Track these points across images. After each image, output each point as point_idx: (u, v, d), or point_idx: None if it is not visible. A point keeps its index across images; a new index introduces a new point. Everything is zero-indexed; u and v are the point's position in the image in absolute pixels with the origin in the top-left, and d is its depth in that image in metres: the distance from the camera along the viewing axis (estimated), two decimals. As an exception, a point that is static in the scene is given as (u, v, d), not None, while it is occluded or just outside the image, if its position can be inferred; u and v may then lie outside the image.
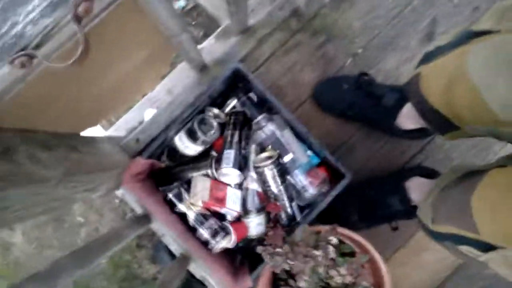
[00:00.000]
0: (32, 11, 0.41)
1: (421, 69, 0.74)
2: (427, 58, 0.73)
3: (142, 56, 0.76)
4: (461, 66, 0.60)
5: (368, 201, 1.04)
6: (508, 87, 0.53)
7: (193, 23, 1.58)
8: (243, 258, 1.00)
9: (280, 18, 1.00)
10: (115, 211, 1.62)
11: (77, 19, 0.44)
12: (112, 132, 1.09)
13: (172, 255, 1.35)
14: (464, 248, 0.65)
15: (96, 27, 0.50)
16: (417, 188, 0.99)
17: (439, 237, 0.75)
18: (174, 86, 1.06)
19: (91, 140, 0.86)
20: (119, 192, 1.09)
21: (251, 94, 0.99)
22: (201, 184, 0.93)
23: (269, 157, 0.91)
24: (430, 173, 1.02)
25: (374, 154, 1.11)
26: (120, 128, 1.09)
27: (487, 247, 0.58)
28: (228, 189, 0.95)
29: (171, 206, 0.96)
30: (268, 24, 1.00)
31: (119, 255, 1.58)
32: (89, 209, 1.62)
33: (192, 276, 1.14)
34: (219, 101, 1.01)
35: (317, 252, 0.81)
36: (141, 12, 0.60)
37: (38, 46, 0.44)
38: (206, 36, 1.48)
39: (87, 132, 0.84)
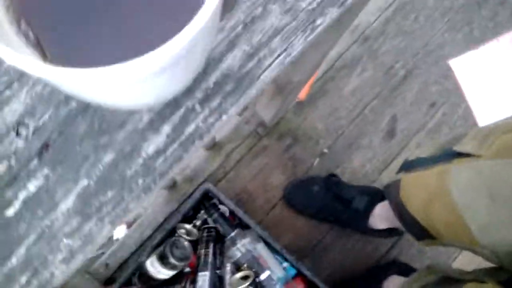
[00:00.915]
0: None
1: (402, 177, 0.77)
2: (408, 166, 0.76)
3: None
4: (442, 184, 0.62)
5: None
6: (487, 211, 0.55)
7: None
8: None
9: (246, 131, 1.03)
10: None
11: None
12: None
13: None
14: None
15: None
16: (395, 288, 1.00)
17: None
18: (142, 207, 1.04)
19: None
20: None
21: (222, 208, 0.99)
22: (176, 311, 0.90)
23: (245, 277, 0.90)
24: (406, 270, 1.03)
25: (348, 252, 1.12)
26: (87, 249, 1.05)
27: None
28: (205, 314, 0.92)
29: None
30: (235, 138, 1.03)
31: None
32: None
33: None
34: (190, 214, 1.00)
35: None
36: None
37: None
38: None
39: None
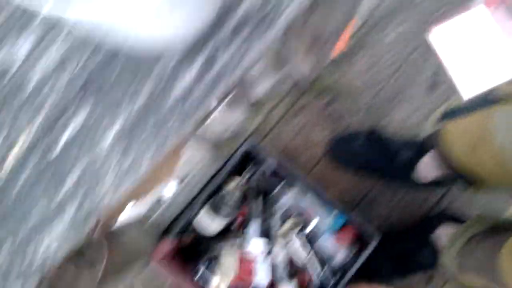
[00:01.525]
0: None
1: (444, 125, 0.76)
2: (450, 114, 0.76)
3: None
4: (485, 128, 0.62)
5: (398, 253, 1.02)
6: None
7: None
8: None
9: (284, 90, 1.05)
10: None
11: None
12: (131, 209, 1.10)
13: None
14: None
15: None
16: (447, 237, 0.98)
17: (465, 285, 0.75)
18: (190, 167, 1.08)
19: (115, 234, 0.86)
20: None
21: (268, 163, 1.01)
22: (230, 258, 0.93)
23: (294, 226, 0.92)
24: (457, 219, 1.01)
25: (396, 204, 1.11)
26: (140, 210, 1.10)
27: None
28: (257, 260, 0.94)
29: (204, 283, 0.95)
30: (273, 97, 1.05)
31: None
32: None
33: None
34: (236, 170, 1.03)
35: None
36: None
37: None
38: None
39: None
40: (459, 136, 0.71)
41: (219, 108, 1.08)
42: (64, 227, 0.45)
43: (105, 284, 0.66)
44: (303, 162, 1.12)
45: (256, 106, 1.06)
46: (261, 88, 1.05)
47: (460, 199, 1.10)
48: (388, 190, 1.10)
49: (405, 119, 1.13)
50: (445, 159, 0.83)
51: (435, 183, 1.00)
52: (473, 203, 1.10)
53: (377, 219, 1.08)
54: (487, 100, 0.64)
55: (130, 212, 1.10)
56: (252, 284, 0.93)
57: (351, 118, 1.13)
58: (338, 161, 1.10)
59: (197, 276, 0.95)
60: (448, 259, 0.82)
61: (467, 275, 0.73)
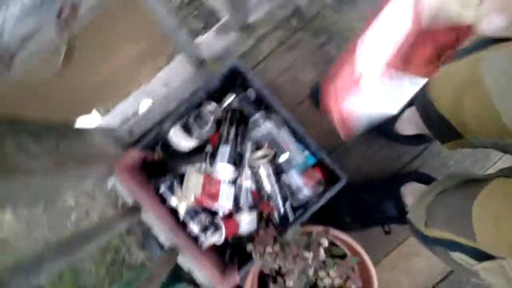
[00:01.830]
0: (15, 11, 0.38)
1: None
2: None
3: (138, 49, 0.75)
4: (475, 72, 0.59)
5: (362, 203, 1.03)
6: None
7: (194, 14, 1.56)
8: (232, 254, 0.99)
9: (281, 17, 0.99)
10: (107, 196, 1.60)
11: (63, 22, 0.41)
12: (105, 120, 1.07)
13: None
14: (456, 255, 0.64)
15: (84, 28, 0.49)
16: (412, 194, 0.99)
17: (430, 241, 0.75)
18: (170, 79, 1.04)
19: (83, 131, 0.84)
20: (110, 180, 1.08)
21: (249, 91, 0.98)
22: (194, 179, 0.92)
23: (264, 155, 0.91)
24: (426, 179, 1.02)
25: (370, 157, 1.10)
26: (114, 117, 1.08)
27: (482, 256, 0.57)
28: (221, 185, 0.94)
29: (163, 199, 0.95)
30: (269, 22, 0.99)
31: (108, 239, 1.57)
32: (80, 192, 1.60)
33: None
34: (215, 96, 1.00)
35: (307, 254, 0.81)
36: (136, 7, 0.59)
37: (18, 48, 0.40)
38: (205, 28, 1.46)
39: (80, 120, 0.83)
40: (447, 80, 0.69)
41: (211, 30, 1.04)
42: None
43: (64, 168, 0.65)
44: (286, 101, 1.09)
45: (248, 30, 1.01)
46: (257, 11, 1.00)
47: (432, 163, 1.10)
48: (366, 140, 1.09)
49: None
50: (425, 112, 0.81)
51: (414, 137, 0.99)
52: (444, 169, 1.10)
53: (350, 168, 1.08)
54: (483, 42, 0.61)
55: (102, 121, 1.08)
56: (213, 209, 0.94)
57: (342, 63, 1.09)
58: (319, 105, 1.07)
59: (159, 192, 0.95)
60: (416, 214, 0.82)
61: (435, 231, 0.73)
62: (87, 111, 0.86)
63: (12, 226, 1.65)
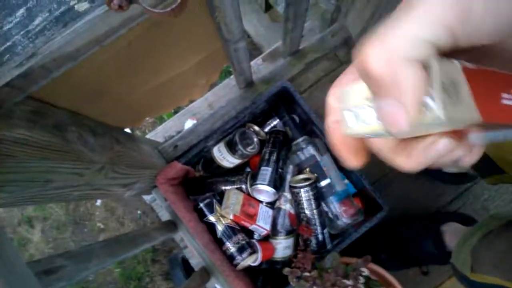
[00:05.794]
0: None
1: None
2: None
3: (197, 59, 0.78)
4: None
5: (399, 238, 1.00)
6: None
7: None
8: (265, 279, 0.96)
9: (332, 45, 1.02)
10: (135, 222, 1.61)
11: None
12: (150, 137, 1.11)
13: (187, 273, 1.31)
14: None
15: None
16: (453, 234, 0.96)
17: (477, 286, 0.71)
18: (216, 100, 1.07)
19: (133, 137, 0.87)
20: (148, 197, 1.09)
21: (294, 115, 1.00)
22: (233, 197, 0.92)
23: (306, 179, 0.90)
24: (467, 221, 0.99)
25: (410, 192, 1.08)
26: (158, 135, 1.11)
27: None
28: (260, 206, 0.93)
29: (201, 216, 0.95)
30: (319, 49, 1.02)
31: (133, 266, 1.56)
32: (111, 216, 1.62)
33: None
34: (259, 119, 1.02)
35: (347, 282, 0.78)
36: (207, 12, 0.62)
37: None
38: (256, 50, 1.50)
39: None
40: None
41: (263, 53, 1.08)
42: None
43: (115, 165, 0.66)
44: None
45: (298, 55, 1.03)
46: (309, 38, 1.03)
47: (473, 206, 1.07)
48: (408, 176, 1.08)
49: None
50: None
51: (456, 175, 0.97)
52: (484, 213, 1.07)
53: (390, 201, 1.05)
54: None
55: (151, 134, 1.11)
56: (250, 229, 0.93)
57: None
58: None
59: (198, 208, 0.95)
60: (460, 258, 0.79)
61: (482, 276, 0.70)
62: (139, 121, 0.89)
63: (39, 246, 1.66)
